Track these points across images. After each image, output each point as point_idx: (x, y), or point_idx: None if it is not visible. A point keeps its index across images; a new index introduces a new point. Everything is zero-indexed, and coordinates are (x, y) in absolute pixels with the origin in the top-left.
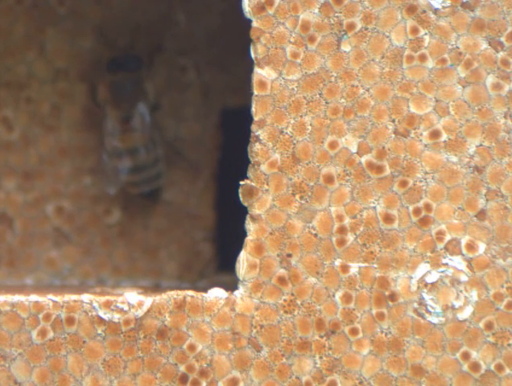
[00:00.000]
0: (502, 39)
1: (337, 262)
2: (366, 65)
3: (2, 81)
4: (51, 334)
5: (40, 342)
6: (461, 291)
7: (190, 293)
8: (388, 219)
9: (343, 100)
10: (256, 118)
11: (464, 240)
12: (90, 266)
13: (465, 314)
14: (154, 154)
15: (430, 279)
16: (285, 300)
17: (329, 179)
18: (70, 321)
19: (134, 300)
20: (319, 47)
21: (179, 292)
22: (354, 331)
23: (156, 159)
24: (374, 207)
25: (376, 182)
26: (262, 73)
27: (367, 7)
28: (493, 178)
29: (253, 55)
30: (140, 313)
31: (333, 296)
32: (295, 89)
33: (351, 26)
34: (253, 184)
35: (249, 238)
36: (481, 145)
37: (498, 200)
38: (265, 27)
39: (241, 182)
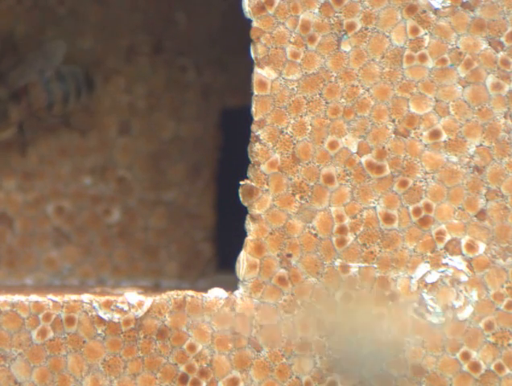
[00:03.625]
0: (502, 38)
1: (337, 262)
2: (366, 65)
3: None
4: (51, 334)
5: (40, 342)
6: (461, 291)
7: (190, 293)
8: (388, 219)
9: (343, 100)
10: (256, 118)
11: (464, 240)
12: (90, 266)
13: (465, 314)
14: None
15: (430, 279)
16: (285, 300)
17: (329, 179)
18: (70, 321)
19: (134, 300)
20: (319, 47)
21: (179, 292)
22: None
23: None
24: (374, 207)
25: (376, 182)
26: (262, 73)
27: (367, 7)
28: (493, 178)
29: (253, 55)
30: (140, 313)
31: (333, 296)
32: (295, 89)
33: (351, 26)
34: (253, 184)
35: (249, 238)
36: (481, 145)
37: (498, 200)
38: (265, 27)
39: (241, 182)
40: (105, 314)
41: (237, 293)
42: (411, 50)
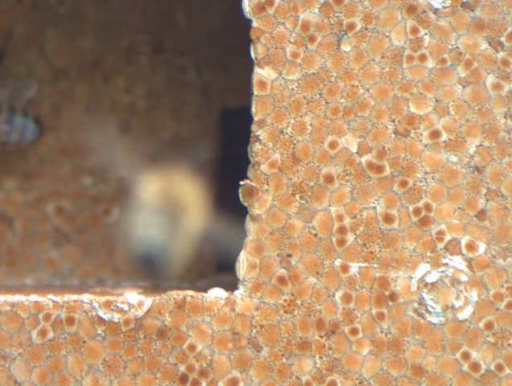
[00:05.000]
0: (502, 39)
1: (337, 262)
2: (366, 65)
3: (1, 81)
4: (51, 334)
5: (40, 342)
6: (461, 291)
7: (190, 293)
8: (388, 219)
9: (343, 100)
10: (256, 118)
11: (464, 240)
12: (90, 266)
13: (465, 314)
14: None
15: (430, 279)
16: (285, 300)
17: (329, 179)
18: (70, 321)
19: (134, 300)
20: (319, 47)
21: (179, 292)
22: (354, 331)
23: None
24: (374, 207)
25: (376, 182)
26: (262, 73)
27: (367, 7)
28: (493, 178)
29: (253, 55)
30: (140, 313)
31: (333, 296)
32: (295, 89)
33: (351, 26)
34: (253, 184)
35: (249, 238)
36: (481, 145)
37: (498, 200)
38: (265, 27)
39: (241, 182)
40: (105, 314)
41: (237, 293)
42: (411, 50)
